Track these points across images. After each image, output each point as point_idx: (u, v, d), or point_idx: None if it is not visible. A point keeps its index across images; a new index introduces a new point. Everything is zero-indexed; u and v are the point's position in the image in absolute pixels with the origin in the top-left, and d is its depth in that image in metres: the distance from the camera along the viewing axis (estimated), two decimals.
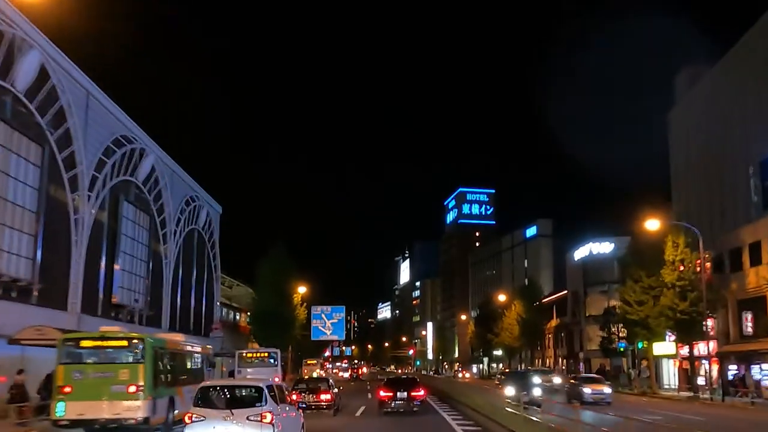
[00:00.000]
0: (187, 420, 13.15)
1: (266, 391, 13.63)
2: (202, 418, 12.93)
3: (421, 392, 26.04)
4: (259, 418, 12.90)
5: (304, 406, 21.46)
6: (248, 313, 63.41)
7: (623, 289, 47.00)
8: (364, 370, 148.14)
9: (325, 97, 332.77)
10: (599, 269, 65.95)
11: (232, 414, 12.90)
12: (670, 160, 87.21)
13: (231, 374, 44.58)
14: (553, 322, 76.96)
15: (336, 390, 28.26)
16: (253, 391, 13.73)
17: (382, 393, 25.80)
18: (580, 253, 69.12)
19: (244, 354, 44.28)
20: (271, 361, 40.36)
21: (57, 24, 37.27)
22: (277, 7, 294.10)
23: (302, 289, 67.62)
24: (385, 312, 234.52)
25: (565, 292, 73.66)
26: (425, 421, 23.33)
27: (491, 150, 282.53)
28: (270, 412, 13.12)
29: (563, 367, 71.11)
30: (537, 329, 74.15)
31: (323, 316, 77.50)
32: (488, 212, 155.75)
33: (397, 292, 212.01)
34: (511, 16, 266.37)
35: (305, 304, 66.28)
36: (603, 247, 65.92)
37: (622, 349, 59.14)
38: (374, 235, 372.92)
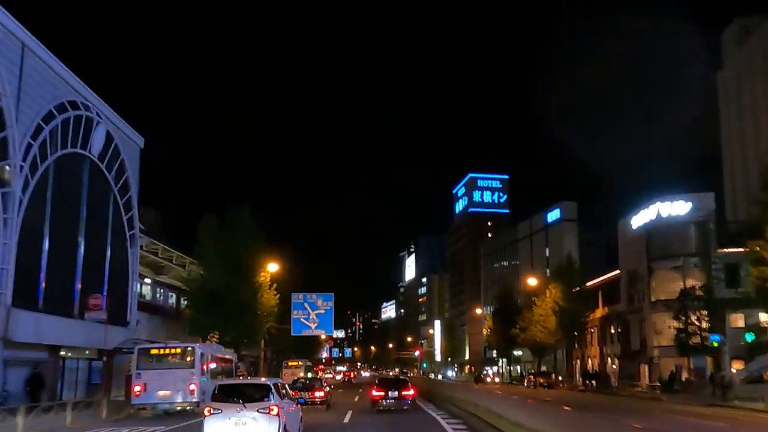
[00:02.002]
0: (206, 413, 14.30)
1: (273, 388, 14.80)
2: (219, 411, 14.12)
3: (411, 392, 26.38)
4: (267, 411, 14.02)
5: (303, 401, 24.40)
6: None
7: (760, 245, 28.55)
8: (365, 374, 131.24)
9: (324, 97, 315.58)
10: (670, 239, 47.47)
11: (245, 407, 14.03)
12: (721, 122, 71.96)
13: (128, 379, 27.21)
14: (599, 312, 58.24)
15: (328, 388, 31.81)
16: (262, 388, 14.91)
17: (374, 392, 26.21)
18: (641, 218, 50.40)
19: (149, 350, 27.47)
20: (187, 359, 26.88)
21: None
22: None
23: (273, 267, 49.57)
24: (389, 311, 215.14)
25: (617, 272, 55.01)
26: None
27: (491, 149, 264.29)
28: (276, 405, 14.23)
29: (615, 369, 52.26)
30: (578, 321, 55.69)
31: (306, 305, 58.97)
32: (501, 200, 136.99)
33: (401, 290, 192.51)
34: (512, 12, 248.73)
35: (275, 285, 47.96)
36: (676, 208, 47.22)
37: (715, 344, 40.51)
38: (377, 234, 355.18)
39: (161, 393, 26.16)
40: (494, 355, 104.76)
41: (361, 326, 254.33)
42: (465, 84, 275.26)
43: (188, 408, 26.31)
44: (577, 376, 61.47)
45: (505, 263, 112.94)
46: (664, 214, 47.61)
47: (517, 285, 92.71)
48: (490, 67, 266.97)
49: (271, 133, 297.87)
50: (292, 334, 58.52)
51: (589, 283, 57.17)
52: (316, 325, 59.08)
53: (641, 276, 50.01)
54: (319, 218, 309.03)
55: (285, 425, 14.42)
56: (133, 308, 35.38)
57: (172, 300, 45.76)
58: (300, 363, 65.67)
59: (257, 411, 14.02)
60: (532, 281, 63.09)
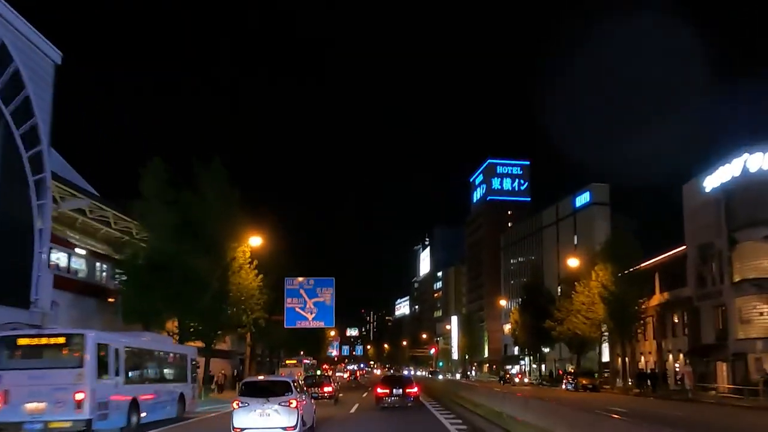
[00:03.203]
0: (235, 406, 15.45)
1: (292, 384, 16.23)
2: (246, 404, 15.34)
3: (415, 389, 26.22)
4: (287, 404, 15.34)
5: (315, 396, 25.69)
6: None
7: None
8: (377, 372, 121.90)
9: (323, 97, 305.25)
10: (761, 200, 36.23)
11: (268, 401, 15.33)
12: None
13: None
14: (656, 298, 47.08)
15: (336, 384, 34.77)
16: (283, 384, 16.32)
17: (379, 390, 26.30)
18: (718, 177, 39.17)
19: (14, 340, 17.49)
20: (73, 353, 16.70)
21: None
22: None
23: (256, 241, 39.21)
24: (403, 308, 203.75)
25: (683, 248, 43.86)
26: None
27: (495, 147, 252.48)
28: (295, 399, 15.59)
29: (686, 367, 40.92)
30: (630, 309, 44.62)
31: (302, 292, 48.50)
32: (522, 187, 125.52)
33: (416, 285, 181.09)
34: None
35: (254, 261, 37.51)
36: None
37: None
38: (389, 230, 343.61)
39: (30, 406, 15.94)
40: (516, 352, 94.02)
41: (375, 324, 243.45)
42: (465, 82, 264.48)
43: (72, 429, 16.05)
44: (625, 375, 50.33)
45: (528, 253, 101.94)
46: (753, 169, 36.30)
47: (547, 273, 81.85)
48: (491, 63, 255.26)
49: (270, 133, 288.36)
50: (285, 326, 48.16)
51: (644, 264, 45.91)
52: (314, 315, 48.56)
53: (718, 251, 38.84)
54: (324, 218, 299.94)
55: (302, 416, 15.73)
56: (45, 285, 24.87)
57: (105, 275, 35.15)
58: (297, 361, 55.55)
59: (279, 404, 15.25)
60: (573, 262, 51.91)
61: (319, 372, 51.67)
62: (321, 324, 49.30)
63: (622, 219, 79.44)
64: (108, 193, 36.33)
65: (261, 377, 21.16)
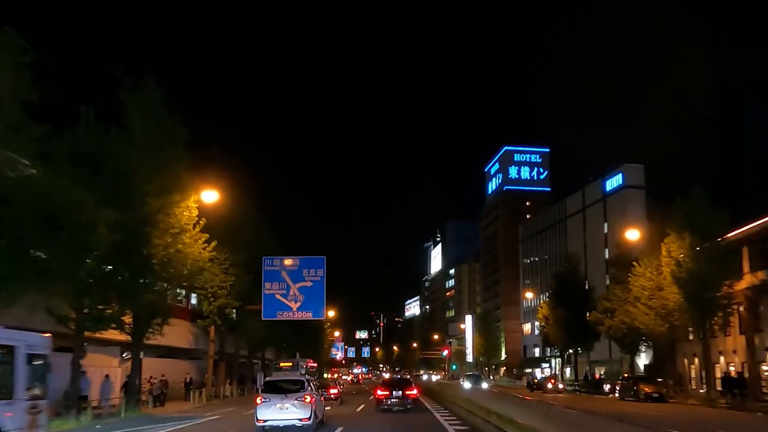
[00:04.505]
0: (258, 401, 17.26)
1: (306, 382, 17.99)
2: (268, 399, 17.12)
3: (414, 391, 26.81)
4: (302, 399, 17.13)
5: (324, 395, 27.48)
6: None
7: None
8: (385, 375, 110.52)
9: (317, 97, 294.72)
10: None
11: (286, 396, 17.10)
12: None
13: None
14: (745, 281, 35.07)
15: (341, 387, 39.89)
16: (299, 382, 17.93)
17: (379, 392, 26.84)
18: None
19: None
20: None
21: None
22: None
23: (211, 197, 27.98)
24: (413, 308, 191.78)
25: None
26: None
27: (497, 143, 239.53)
28: (309, 395, 17.41)
29: None
30: (714, 294, 32.77)
31: (284, 275, 37.29)
32: (542, 176, 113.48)
33: (426, 284, 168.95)
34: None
35: (202, 220, 26.00)
36: None
37: None
38: (400, 229, 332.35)
39: None
40: (537, 354, 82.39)
41: (384, 326, 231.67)
42: (475, 71, 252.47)
43: None
44: (709, 381, 38.35)
45: (550, 245, 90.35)
46: None
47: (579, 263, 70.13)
48: (503, 53, 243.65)
49: (273, 127, 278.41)
50: (263, 317, 37.03)
51: (732, 234, 33.88)
52: (299, 304, 37.32)
53: None
54: (328, 218, 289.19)
55: (315, 411, 17.43)
56: None
57: None
58: (293, 363, 44.05)
59: (295, 400, 17.05)
60: (634, 234, 39.87)
61: (326, 375, 53.82)
62: (308, 315, 37.85)
63: (659, 204, 67.67)
64: None
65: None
